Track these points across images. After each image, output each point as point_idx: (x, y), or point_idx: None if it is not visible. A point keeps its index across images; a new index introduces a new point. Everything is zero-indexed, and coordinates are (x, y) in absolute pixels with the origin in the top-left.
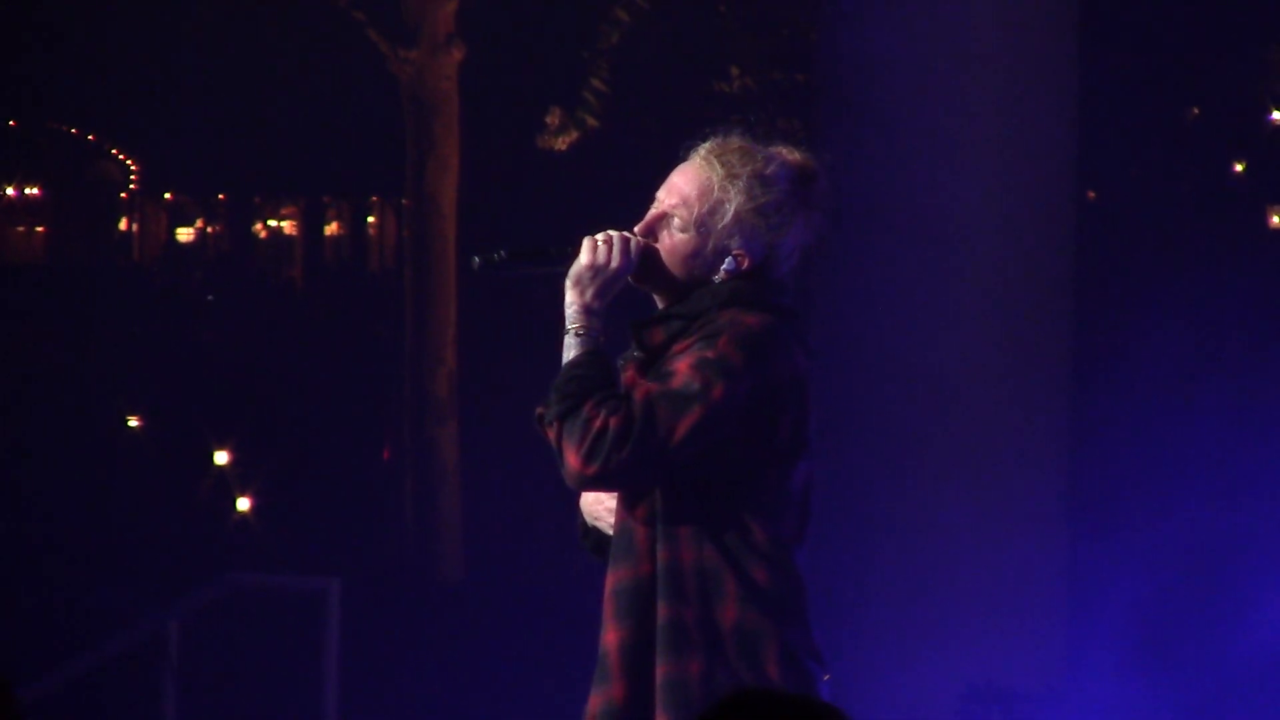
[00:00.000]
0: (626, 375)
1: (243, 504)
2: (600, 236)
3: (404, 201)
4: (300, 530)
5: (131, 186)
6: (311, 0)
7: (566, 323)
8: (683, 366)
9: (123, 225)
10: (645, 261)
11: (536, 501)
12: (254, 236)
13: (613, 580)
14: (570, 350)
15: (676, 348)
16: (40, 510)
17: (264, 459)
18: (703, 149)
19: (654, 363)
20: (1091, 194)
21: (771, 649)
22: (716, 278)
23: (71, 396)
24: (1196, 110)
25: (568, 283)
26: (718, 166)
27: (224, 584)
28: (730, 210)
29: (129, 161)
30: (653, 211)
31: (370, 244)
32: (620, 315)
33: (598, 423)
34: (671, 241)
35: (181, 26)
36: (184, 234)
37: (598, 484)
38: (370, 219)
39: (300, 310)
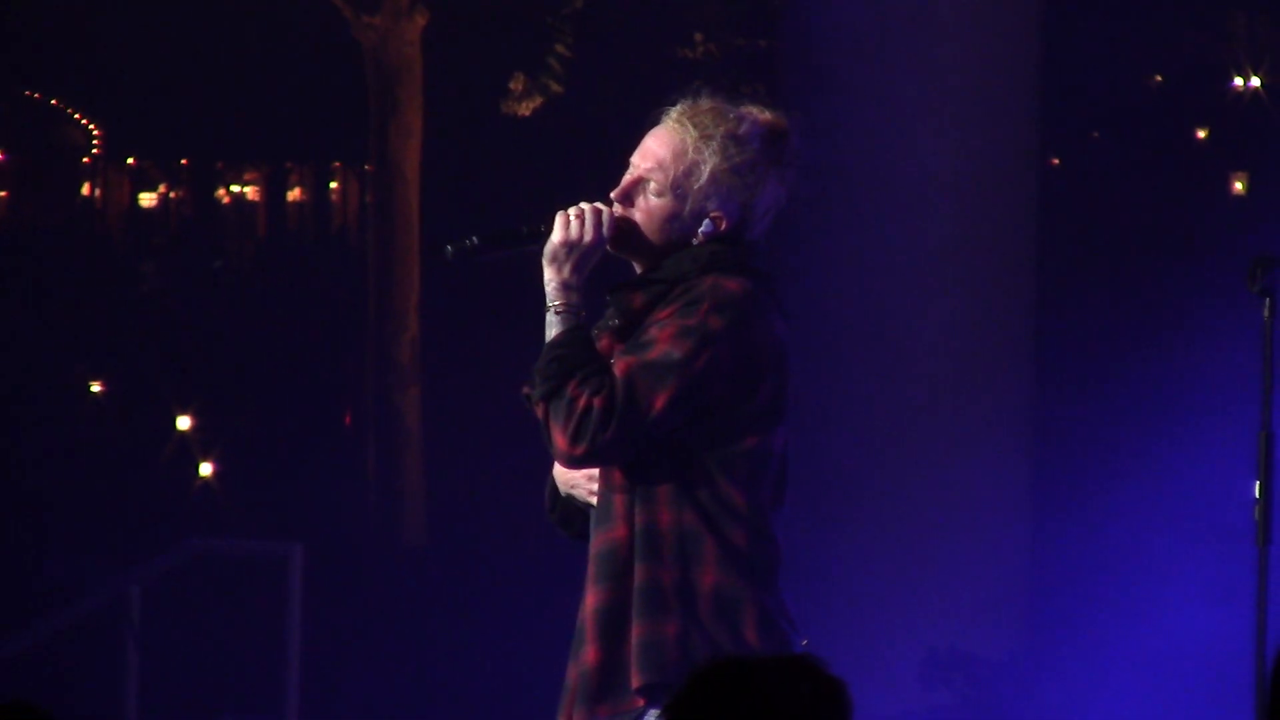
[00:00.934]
0: (602, 344)
1: (205, 469)
2: (573, 211)
3: (367, 168)
4: (263, 495)
5: (94, 151)
6: None
7: (547, 300)
8: (663, 335)
9: (85, 190)
10: (622, 230)
11: (499, 467)
12: (217, 202)
13: (593, 545)
14: (551, 329)
15: (658, 314)
16: (1, 475)
17: (226, 424)
18: (674, 112)
19: (633, 328)
20: (1055, 160)
21: (749, 613)
22: (694, 240)
23: (34, 361)
24: (1159, 77)
25: (544, 260)
26: (691, 128)
27: (186, 549)
28: (706, 171)
29: (91, 126)
30: (628, 177)
31: (333, 210)
32: (598, 286)
33: (581, 402)
34: (648, 206)
35: None
36: (146, 199)
37: (587, 462)
38: (333, 185)
39: (263, 275)
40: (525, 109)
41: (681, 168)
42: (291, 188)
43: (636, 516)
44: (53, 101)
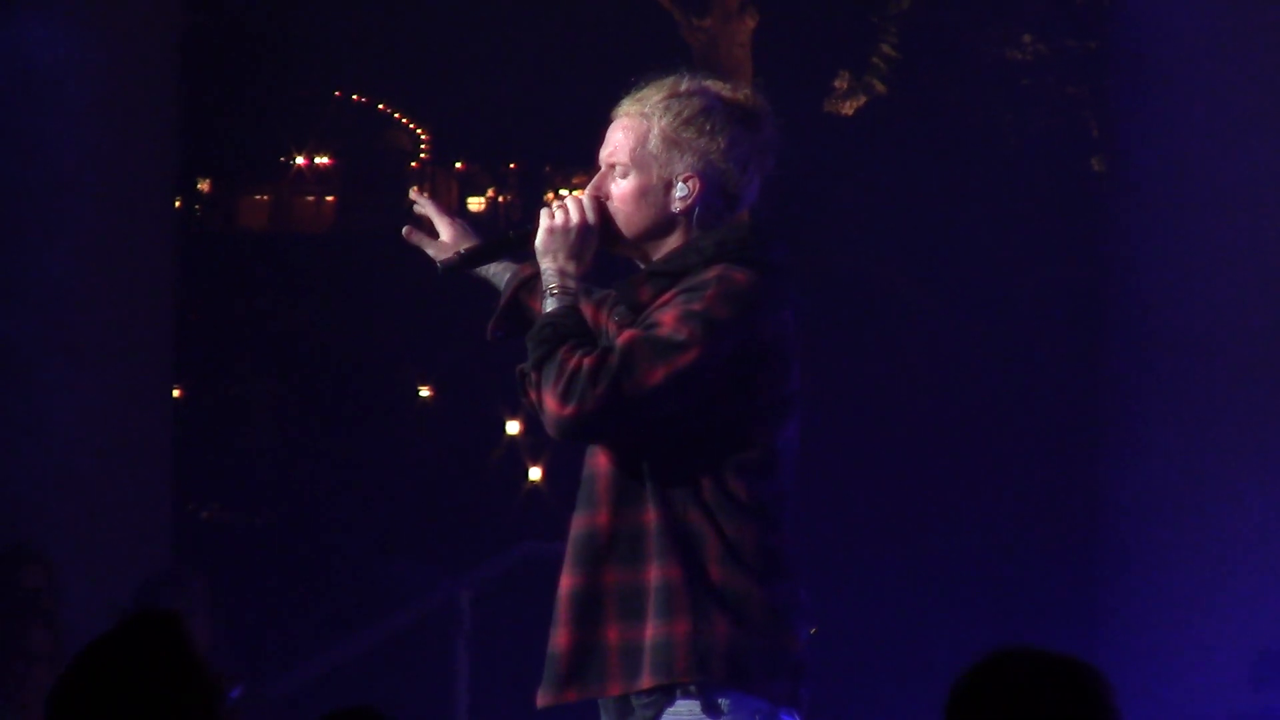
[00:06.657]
0: (588, 313)
1: (534, 473)
2: (555, 203)
3: None
4: None
5: (422, 155)
6: None
7: (544, 288)
8: (669, 318)
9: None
10: (609, 223)
11: None
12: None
13: (574, 527)
14: (548, 308)
15: (662, 299)
16: (332, 485)
17: None
18: (622, 105)
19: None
20: None
21: (756, 608)
22: (675, 209)
23: (364, 366)
24: None
25: (538, 254)
26: (633, 106)
27: (518, 553)
28: (656, 134)
29: (419, 130)
30: (598, 175)
31: None
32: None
33: (573, 362)
34: (620, 191)
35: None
36: (475, 203)
37: (577, 427)
38: None
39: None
40: (849, 108)
41: (635, 141)
42: None
43: (638, 507)
44: (380, 106)
